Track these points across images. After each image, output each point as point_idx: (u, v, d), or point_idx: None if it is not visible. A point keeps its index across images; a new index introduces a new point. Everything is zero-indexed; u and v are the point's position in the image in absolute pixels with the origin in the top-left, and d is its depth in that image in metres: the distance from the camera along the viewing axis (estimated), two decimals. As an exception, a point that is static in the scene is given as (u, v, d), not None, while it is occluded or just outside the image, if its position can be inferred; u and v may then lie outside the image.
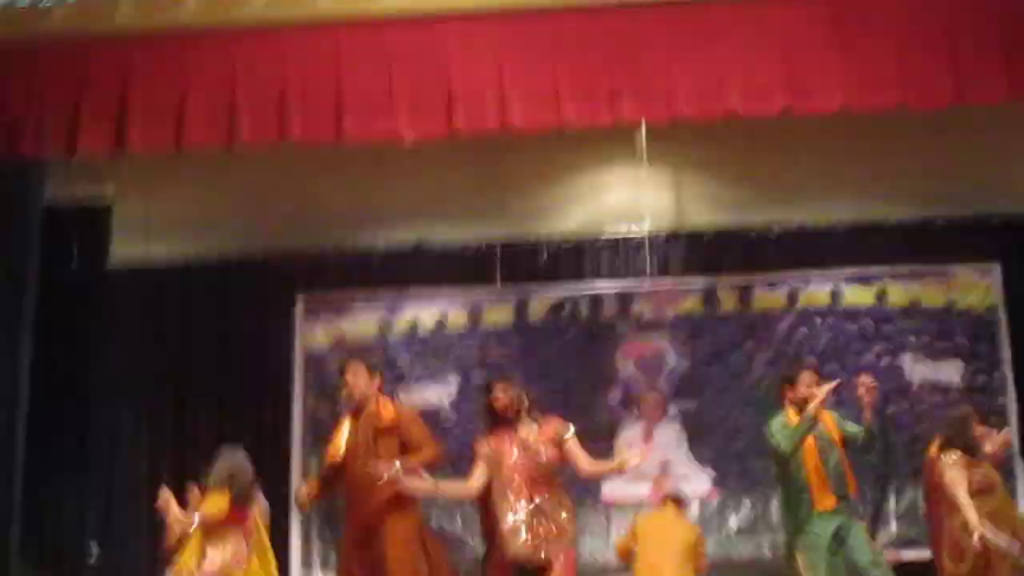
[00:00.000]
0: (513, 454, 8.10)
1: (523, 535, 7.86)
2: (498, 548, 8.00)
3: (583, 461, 8.17)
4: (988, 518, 8.56)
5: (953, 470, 8.59)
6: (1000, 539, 8.41)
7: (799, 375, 8.88)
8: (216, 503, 8.75)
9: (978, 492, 8.61)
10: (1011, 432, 9.55)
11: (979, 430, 8.92)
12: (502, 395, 8.31)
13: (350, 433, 8.75)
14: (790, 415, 8.73)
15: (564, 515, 8.01)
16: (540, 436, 8.15)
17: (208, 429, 12.06)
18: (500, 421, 8.28)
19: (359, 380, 8.78)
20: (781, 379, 9.22)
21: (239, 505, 8.79)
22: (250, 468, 8.96)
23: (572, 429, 8.26)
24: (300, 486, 8.90)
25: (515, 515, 7.93)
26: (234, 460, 8.95)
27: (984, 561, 8.43)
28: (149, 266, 12.73)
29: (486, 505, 8.18)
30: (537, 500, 7.96)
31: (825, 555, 8.33)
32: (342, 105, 10.34)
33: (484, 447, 8.23)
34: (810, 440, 8.51)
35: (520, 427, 8.21)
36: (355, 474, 8.57)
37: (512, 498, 7.98)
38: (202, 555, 8.71)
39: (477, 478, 8.17)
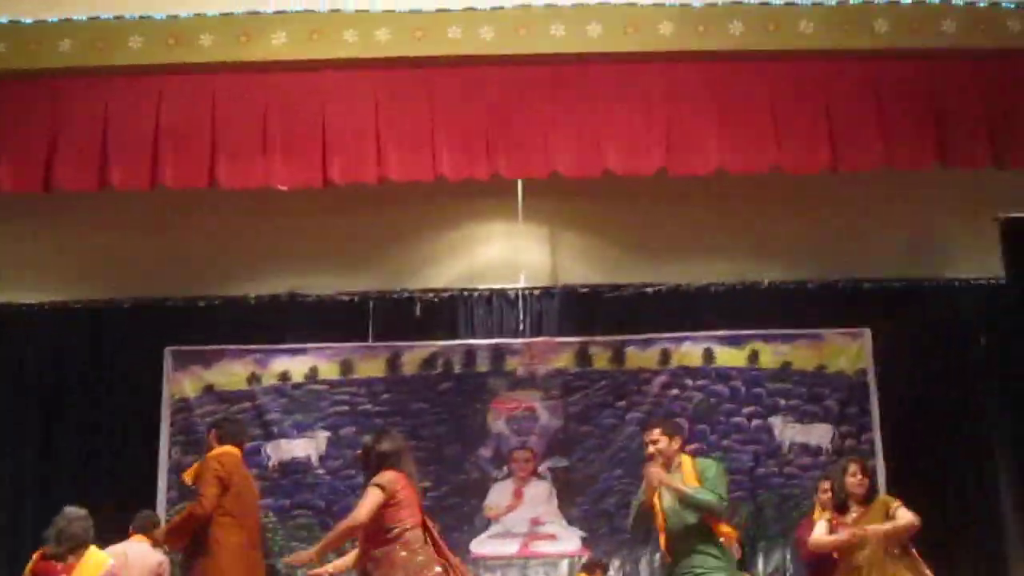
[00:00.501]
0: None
1: None
2: None
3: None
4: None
5: (817, 526, 8.60)
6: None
7: (649, 430, 8.59)
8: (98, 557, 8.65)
9: (845, 551, 8.52)
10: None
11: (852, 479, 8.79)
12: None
13: None
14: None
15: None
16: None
17: (73, 478, 11.80)
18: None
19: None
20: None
21: (57, 560, 8.65)
22: (82, 524, 8.79)
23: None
24: None
25: None
26: (66, 518, 8.80)
27: None
28: (14, 308, 12.45)
29: None
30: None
31: None
32: (216, 151, 10.26)
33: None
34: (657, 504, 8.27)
35: None
36: None
37: None
38: None
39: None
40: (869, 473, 8.70)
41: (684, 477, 8.01)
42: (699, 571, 7.99)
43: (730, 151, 10.56)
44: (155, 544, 9.70)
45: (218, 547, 8.09)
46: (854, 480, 8.54)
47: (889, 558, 8.41)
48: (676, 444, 8.11)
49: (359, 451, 7.96)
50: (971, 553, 11.87)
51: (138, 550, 9.74)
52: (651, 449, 8.08)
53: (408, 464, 7.63)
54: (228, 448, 8.43)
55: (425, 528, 7.50)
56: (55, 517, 8.73)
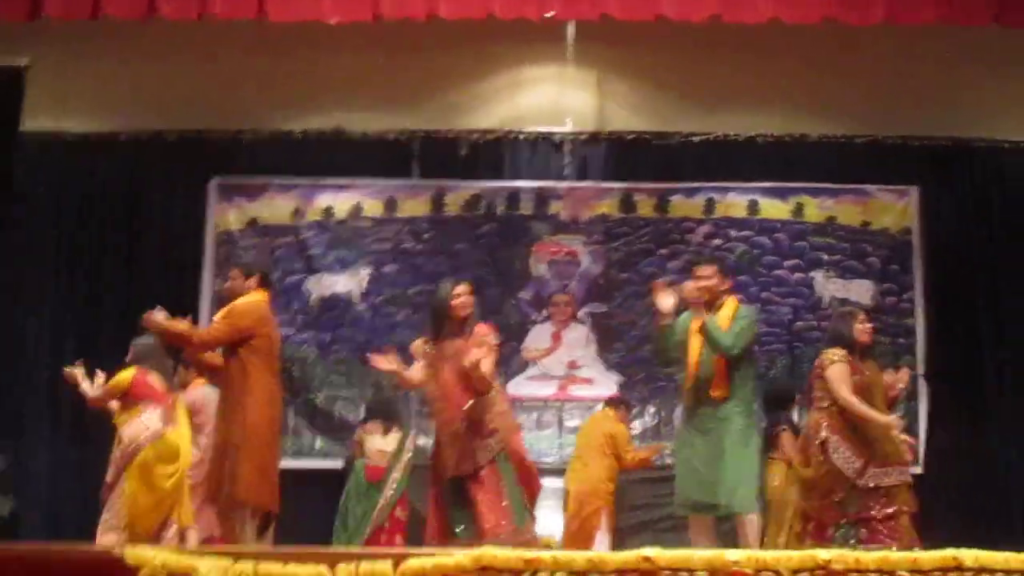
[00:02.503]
0: (448, 362, 7.98)
1: (449, 448, 7.86)
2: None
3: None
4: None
5: (836, 366, 8.40)
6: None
7: (703, 266, 8.57)
8: (120, 377, 8.77)
9: (856, 393, 8.45)
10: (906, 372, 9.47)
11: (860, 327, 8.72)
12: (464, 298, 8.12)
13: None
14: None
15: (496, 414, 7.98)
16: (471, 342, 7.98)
17: (116, 306, 11.89)
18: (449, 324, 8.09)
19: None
20: None
21: (149, 379, 8.79)
22: (160, 349, 8.92)
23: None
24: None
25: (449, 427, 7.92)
26: (141, 344, 8.91)
27: (828, 468, 8.32)
28: (62, 137, 12.43)
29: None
30: (466, 407, 7.89)
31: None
32: (266, -17, 10.16)
33: (425, 349, 8.14)
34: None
35: (464, 333, 8.04)
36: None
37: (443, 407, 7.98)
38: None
39: (417, 372, 8.13)
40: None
41: (719, 318, 8.07)
42: (721, 417, 8.08)
43: (785, 1, 10.40)
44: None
45: (256, 385, 8.16)
46: (862, 328, 8.46)
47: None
48: (725, 285, 8.23)
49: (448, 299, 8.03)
50: (1007, 411, 11.91)
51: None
52: (701, 284, 8.14)
53: None
54: (256, 297, 8.39)
55: None
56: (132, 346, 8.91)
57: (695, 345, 8.17)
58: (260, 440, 8.08)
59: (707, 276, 8.21)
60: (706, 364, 8.12)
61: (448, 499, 7.90)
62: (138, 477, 8.71)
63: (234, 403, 8.12)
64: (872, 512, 8.09)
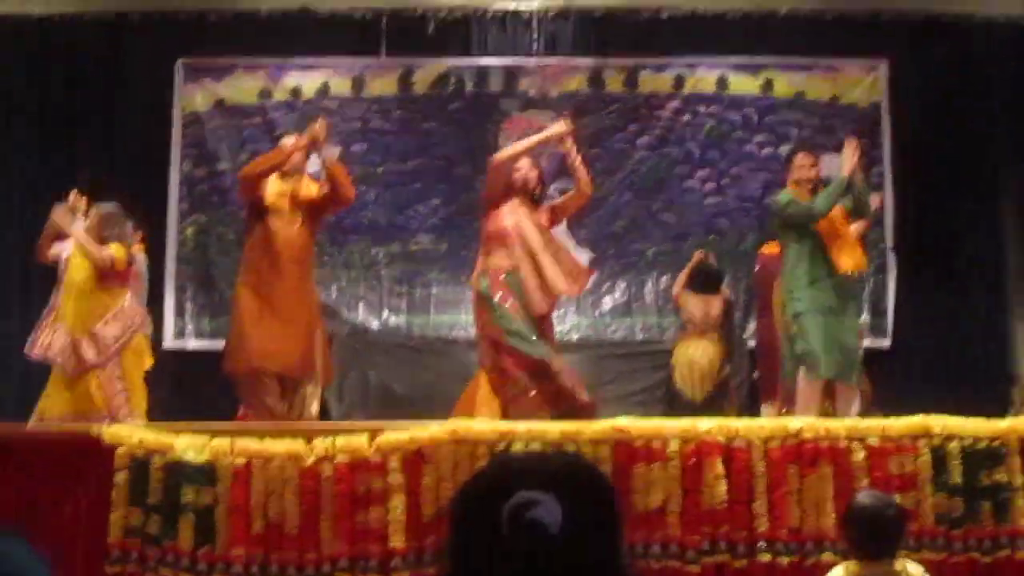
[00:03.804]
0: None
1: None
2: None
3: None
4: None
5: None
6: None
7: (794, 157, 8.89)
8: (122, 252, 8.74)
9: None
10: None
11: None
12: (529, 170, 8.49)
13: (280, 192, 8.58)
14: (795, 193, 8.65)
15: None
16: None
17: (86, 188, 11.80)
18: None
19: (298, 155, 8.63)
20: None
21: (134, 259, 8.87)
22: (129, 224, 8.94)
23: None
24: None
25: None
26: (114, 213, 8.86)
27: None
28: (25, 19, 12.26)
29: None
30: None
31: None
32: None
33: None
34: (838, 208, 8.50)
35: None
36: (273, 226, 8.44)
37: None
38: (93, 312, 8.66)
39: None
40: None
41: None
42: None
43: None
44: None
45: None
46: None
47: None
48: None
49: None
50: (973, 284, 12.04)
51: None
52: (812, 173, 8.62)
53: None
54: None
55: None
56: (103, 213, 8.91)
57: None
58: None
59: (814, 164, 8.67)
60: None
61: None
62: (133, 362, 8.74)
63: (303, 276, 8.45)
64: None
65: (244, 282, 8.50)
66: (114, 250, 8.64)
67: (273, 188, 8.46)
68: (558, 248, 8.54)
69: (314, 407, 8.50)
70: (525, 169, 8.41)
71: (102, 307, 8.63)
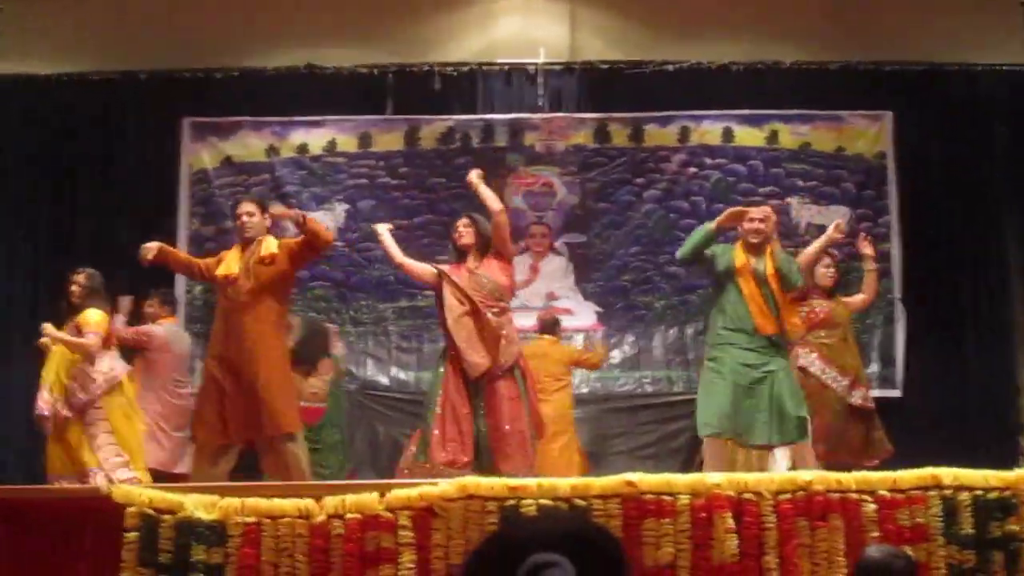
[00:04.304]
0: (462, 277, 8.40)
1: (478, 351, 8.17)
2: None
3: None
4: (823, 351, 9.35)
5: None
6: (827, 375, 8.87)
7: (758, 207, 8.79)
8: (102, 318, 8.90)
9: (821, 324, 8.90)
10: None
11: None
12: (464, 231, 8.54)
13: (236, 260, 8.66)
14: (738, 248, 8.59)
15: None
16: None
17: (91, 247, 11.85)
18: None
19: (254, 220, 8.70)
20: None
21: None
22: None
23: None
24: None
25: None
26: (93, 275, 9.05)
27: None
28: (33, 78, 12.37)
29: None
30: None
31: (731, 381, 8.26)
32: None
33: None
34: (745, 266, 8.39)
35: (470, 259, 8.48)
36: (230, 299, 8.50)
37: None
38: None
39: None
40: None
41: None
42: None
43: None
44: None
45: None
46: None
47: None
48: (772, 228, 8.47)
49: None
50: (981, 333, 12.05)
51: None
52: (758, 226, 8.32)
53: None
54: None
55: None
56: (84, 277, 9.08)
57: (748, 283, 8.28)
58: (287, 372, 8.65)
59: (763, 219, 8.40)
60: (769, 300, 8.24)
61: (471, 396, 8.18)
62: (122, 414, 8.87)
63: (271, 337, 8.42)
64: None
65: (209, 354, 8.65)
66: (92, 323, 8.85)
67: (230, 261, 8.57)
68: None
69: (303, 460, 8.52)
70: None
71: (74, 362, 8.91)
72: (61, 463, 8.81)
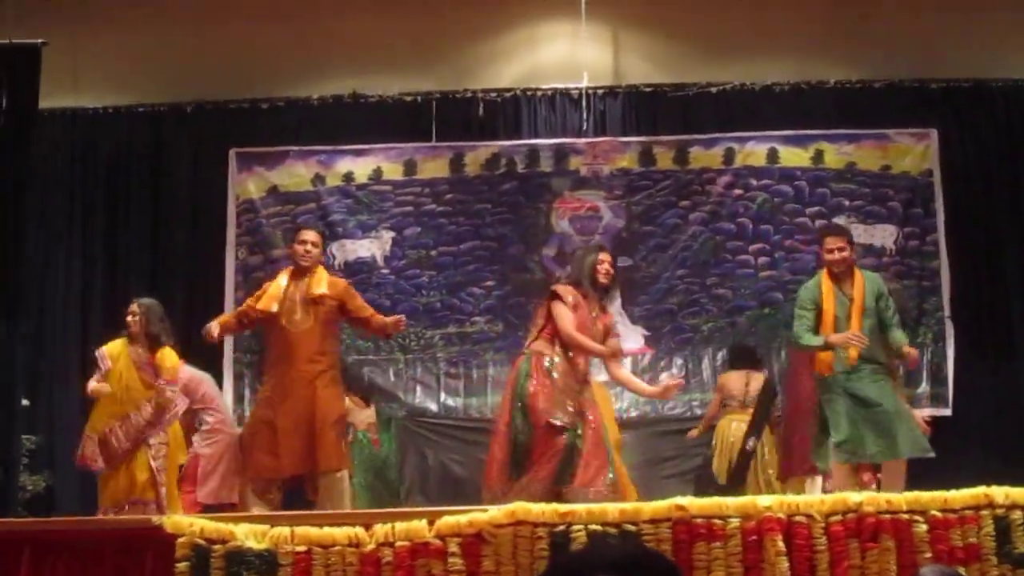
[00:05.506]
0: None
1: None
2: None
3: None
4: None
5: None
6: None
7: (824, 238, 8.84)
8: (177, 362, 9.21)
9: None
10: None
11: None
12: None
13: (285, 290, 8.73)
14: (823, 278, 8.66)
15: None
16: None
17: (140, 280, 11.95)
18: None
19: (316, 251, 8.84)
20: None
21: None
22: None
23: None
24: (212, 322, 8.96)
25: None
26: (154, 305, 9.18)
27: None
28: (80, 113, 12.54)
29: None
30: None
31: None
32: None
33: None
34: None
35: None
36: (285, 330, 8.59)
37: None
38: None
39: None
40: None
41: (855, 287, 8.36)
42: (877, 378, 8.22)
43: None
44: None
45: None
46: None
47: None
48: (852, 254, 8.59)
49: None
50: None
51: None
52: (836, 256, 8.48)
53: None
54: None
55: None
56: (148, 310, 9.33)
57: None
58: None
59: (841, 248, 8.56)
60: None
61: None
62: (175, 445, 8.99)
63: (327, 373, 8.62)
64: None
65: (264, 385, 8.93)
66: (166, 368, 9.05)
67: (279, 288, 8.61)
68: None
69: (346, 493, 8.59)
70: None
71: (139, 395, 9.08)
72: (123, 493, 8.92)
